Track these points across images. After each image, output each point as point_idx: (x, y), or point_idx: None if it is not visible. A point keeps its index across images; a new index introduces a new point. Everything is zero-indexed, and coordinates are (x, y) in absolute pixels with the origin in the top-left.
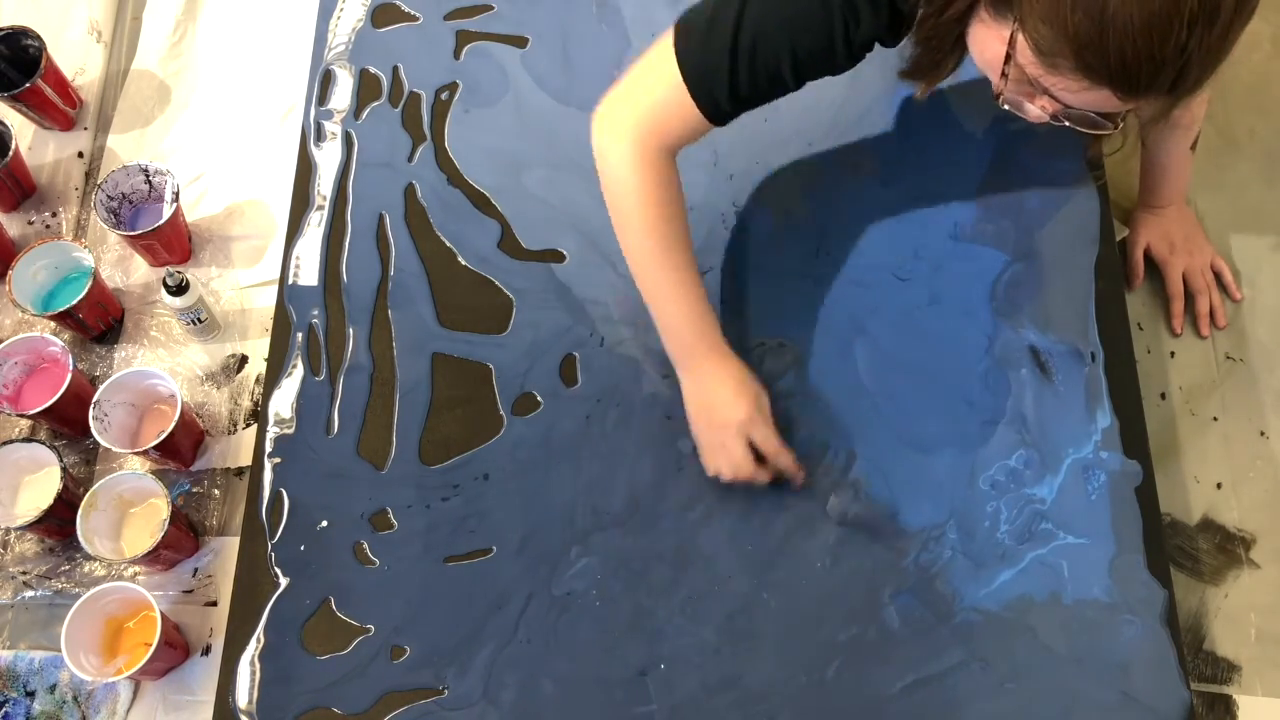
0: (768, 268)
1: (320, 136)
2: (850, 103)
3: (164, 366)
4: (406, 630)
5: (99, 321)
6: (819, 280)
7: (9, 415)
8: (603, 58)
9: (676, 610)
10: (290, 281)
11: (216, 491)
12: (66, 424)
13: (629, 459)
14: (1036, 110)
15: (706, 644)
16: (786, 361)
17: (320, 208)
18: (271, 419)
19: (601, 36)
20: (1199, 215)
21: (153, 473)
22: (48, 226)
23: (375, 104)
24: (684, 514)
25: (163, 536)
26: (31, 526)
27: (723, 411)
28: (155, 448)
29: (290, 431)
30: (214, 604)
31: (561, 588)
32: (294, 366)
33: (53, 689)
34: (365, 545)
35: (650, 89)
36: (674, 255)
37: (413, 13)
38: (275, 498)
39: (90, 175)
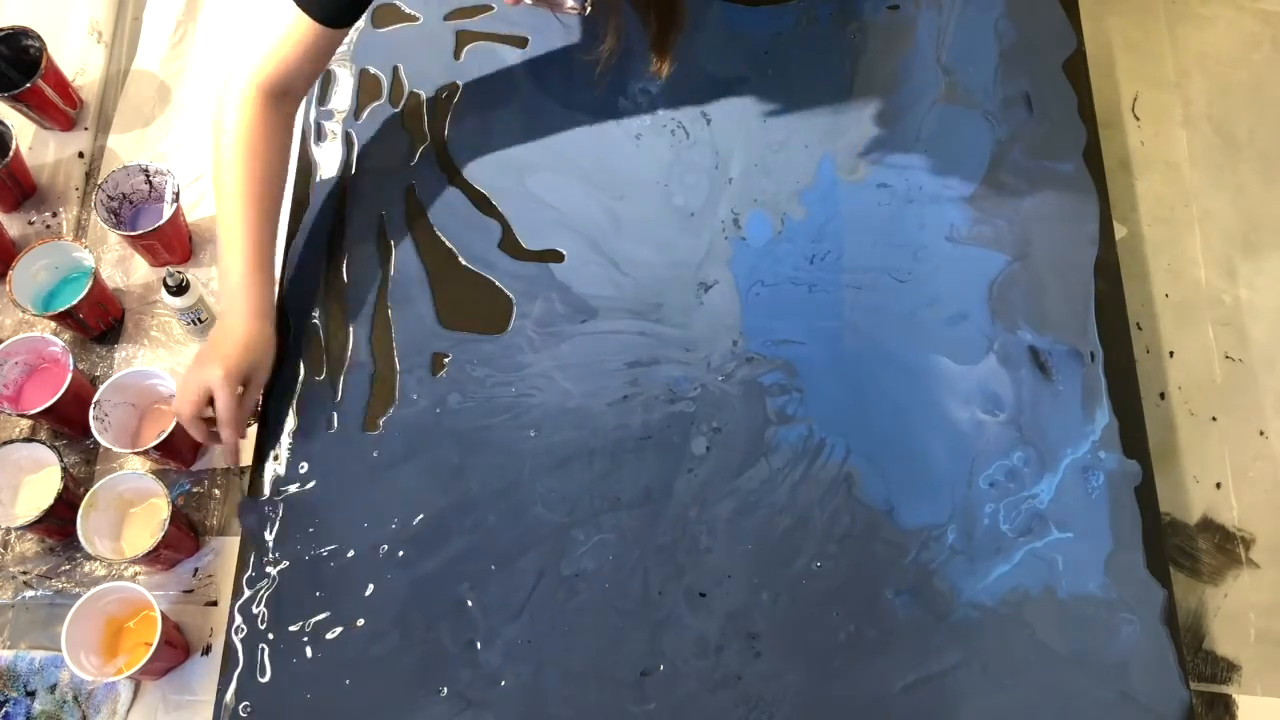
0: (767, 270)
1: (320, 136)
2: (847, 105)
3: (164, 366)
4: (409, 627)
5: (99, 321)
6: (817, 282)
7: (9, 415)
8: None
9: (680, 599)
10: (290, 281)
11: (217, 491)
12: (67, 424)
13: (638, 454)
14: None
15: (707, 643)
16: (785, 364)
17: (320, 208)
18: (271, 419)
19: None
20: (1200, 216)
21: (153, 473)
22: (48, 226)
23: (375, 104)
24: (685, 511)
25: (163, 536)
26: (32, 526)
27: (207, 355)
28: (155, 448)
29: (289, 432)
30: (214, 604)
31: (571, 567)
32: (294, 366)
33: (53, 689)
34: (366, 543)
35: (267, 34)
36: (253, 202)
37: (413, 13)
38: (276, 497)
39: (90, 175)
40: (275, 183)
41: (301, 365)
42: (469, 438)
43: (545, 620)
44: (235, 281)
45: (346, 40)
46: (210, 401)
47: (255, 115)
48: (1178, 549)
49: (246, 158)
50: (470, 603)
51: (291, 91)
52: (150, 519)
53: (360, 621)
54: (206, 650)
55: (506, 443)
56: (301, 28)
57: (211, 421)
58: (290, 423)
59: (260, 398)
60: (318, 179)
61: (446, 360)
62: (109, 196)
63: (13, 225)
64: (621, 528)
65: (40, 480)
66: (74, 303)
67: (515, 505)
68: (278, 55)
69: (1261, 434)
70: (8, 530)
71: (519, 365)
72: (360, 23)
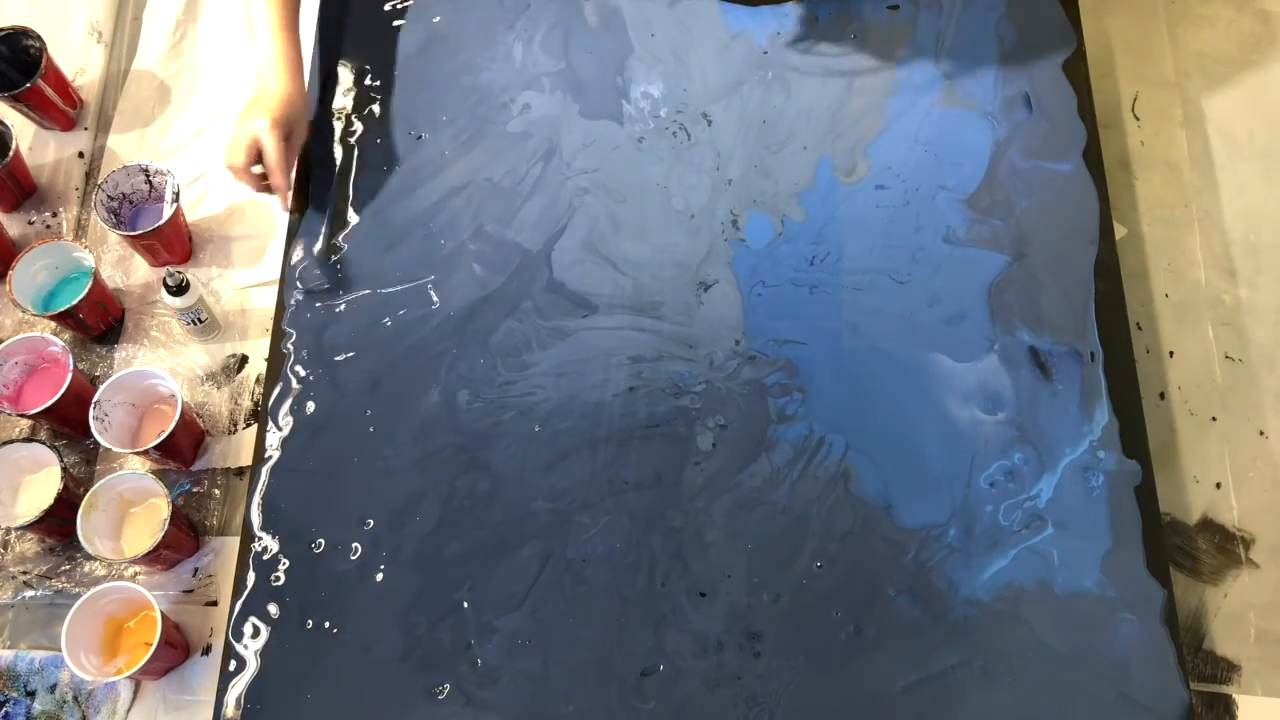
0: (768, 271)
1: (320, 136)
2: (846, 107)
3: (164, 366)
4: (410, 627)
5: (99, 321)
6: (817, 284)
7: (9, 415)
8: (604, 59)
9: (682, 595)
10: (291, 281)
11: (216, 491)
12: (67, 424)
13: (646, 441)
14: None
15: (707, 642)
16: (785, 365)
17: (320, 208)
18: (273, 418)
19: (602, 38)
20: (1200, 216)
21: (153, 473)
22: (48, 226)
23: (375, 104)
24: (692, 502)
25: (163, 536)
26: (32, 526)
27: (251, 112)
28: (155, 448)
29: (289, 431)
30: (214, 604)
31: (577, 551)
32: (295, 366)
33: (53, 689)
34: (366, 543)
35: None
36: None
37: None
38: (276, 497)
39: (90, 175)
40: None
41: (302, 365)
42: (474, 435)
43: (549, 609)
44: (267, 44)
45: (347, 40)
46: (258, 156)
47: None
48: (1178, 549)
49: None
50: (473, 601)
51: None
52: (150, 519)
53: (361, 621)
54: (206, 650)
55: (512, 438)
56: None
57: (262, 177)
58: (291, 422)
59: (300, 153)
60: (317, 179)
61: (448, 359)
62: (109, 196)
63: (13, 225)
64: (630, 509)
65: (40, 480)
66: (74, 303)
67: (522, 498)
68: None
69: (1261, 434)
70: (8, 530)
71: (523, 364)
72: (360, 24)
